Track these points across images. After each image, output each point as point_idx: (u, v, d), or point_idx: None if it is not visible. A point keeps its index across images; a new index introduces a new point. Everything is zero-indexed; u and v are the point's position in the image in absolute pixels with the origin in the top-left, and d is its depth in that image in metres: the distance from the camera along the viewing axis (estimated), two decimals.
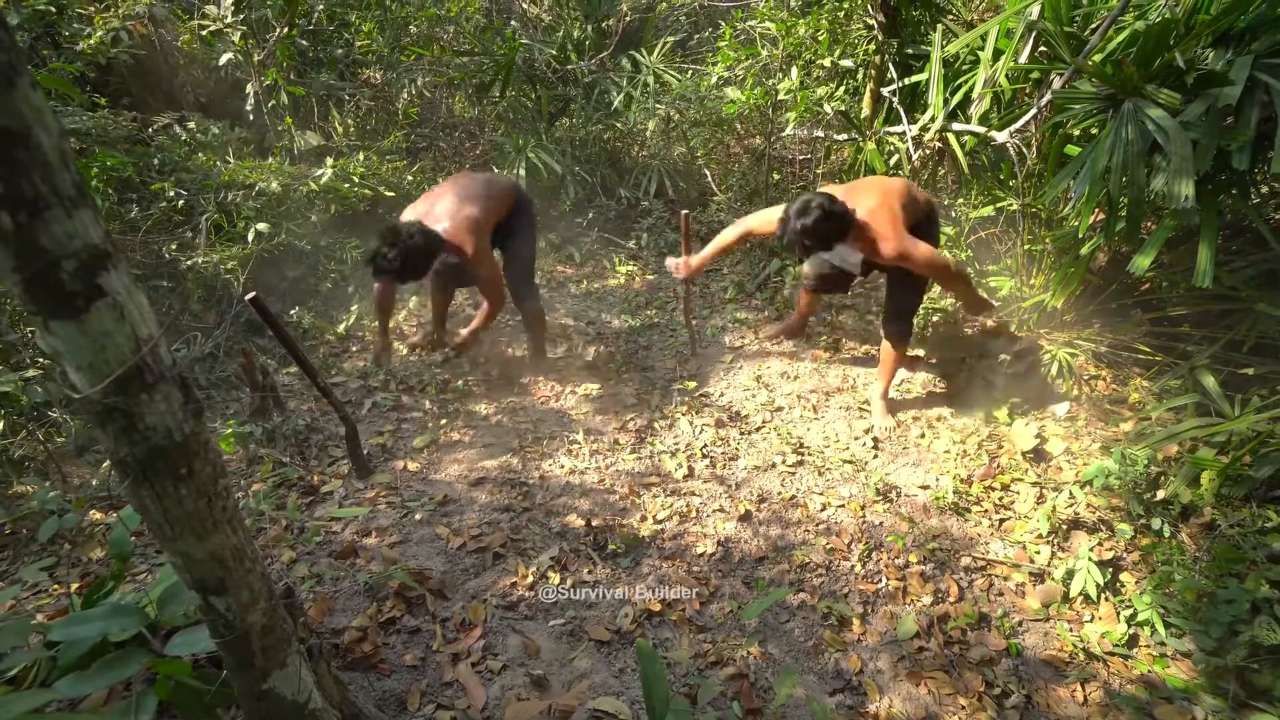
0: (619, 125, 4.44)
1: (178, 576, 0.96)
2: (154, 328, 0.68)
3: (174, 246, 3.18)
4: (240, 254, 3.21)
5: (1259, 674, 1.61)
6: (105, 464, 2.32)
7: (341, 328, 3.34)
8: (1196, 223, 2.13)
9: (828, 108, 3.63)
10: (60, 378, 2.31)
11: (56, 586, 1.74)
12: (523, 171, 4.05)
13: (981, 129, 3.00)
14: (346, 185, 3.64)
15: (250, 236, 3.23)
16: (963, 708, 1.62)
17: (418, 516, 2.10)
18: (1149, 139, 2.09)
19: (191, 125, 3.77)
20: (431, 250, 2.44)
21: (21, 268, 0.59)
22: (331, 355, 3.19)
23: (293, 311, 3.37)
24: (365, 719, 1.31)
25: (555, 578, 1.87)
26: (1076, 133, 2.56)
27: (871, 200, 2.34)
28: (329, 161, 3.67)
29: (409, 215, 2.60)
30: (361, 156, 3.96)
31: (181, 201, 3.28)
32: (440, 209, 2.57)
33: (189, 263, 3.11)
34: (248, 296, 1.85)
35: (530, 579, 1.86)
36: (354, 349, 3.26)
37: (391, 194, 3.84)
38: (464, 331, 3.02)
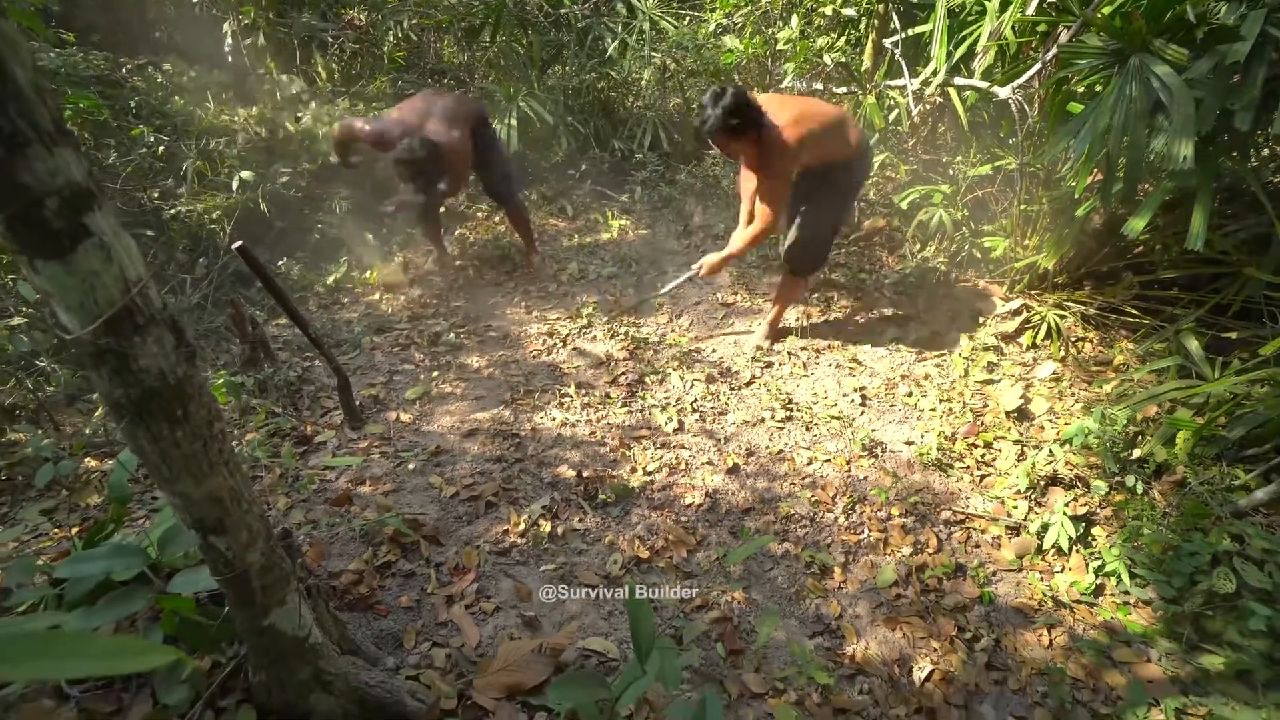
0: (613, 74, 4.31)
1: (177, 518, 0.98)
2: (142, 269, 0.68)
3: (156, 194, 3.11)
4: (225, 203, 3.14)
5: (1212, 620, 1.70)
6: (97, 412, 2.32)
7: (330, 279, 3.30)
8: (1193, 185, 2.13)
9: (828, 59, 3.53)
10: (50, 319, 2.29)
11: (56, 530, 1.78)
12: (514, 121, 3.95)
13: (984, 84, 2.94)
14: (326, 131, 3.53)
15: (234, 185, 3.16)
16: (935, 650, 1.70)
17: (411, 466, 2.13)
18: (1153, 97, 2.06)
19: (168, 67, 3.62)
20: (433, 164, 2.73)
21: (3, 205, 0.58)
22: (321, 307, 3.17)
23: (280, 263, 3.33)
24: (363, 655, 1.37)
25: (546, 526, 1.93)
26: (1080, 90, 2.52)
27: None
28: (311, 107, 3.55)
29: (393, 115, 2.85)
30: (346, 104, 3.83)
31: (161, 148, 3.19)
32: (432, 129, 2.79)
33: (173, 211, 3.05)
34: (234, 245, 1.82)
35: (522, 527, 1.91)
36: (344, 300, 3.24)
37: None
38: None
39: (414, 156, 2.67)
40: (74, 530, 1.77)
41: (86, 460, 2.10)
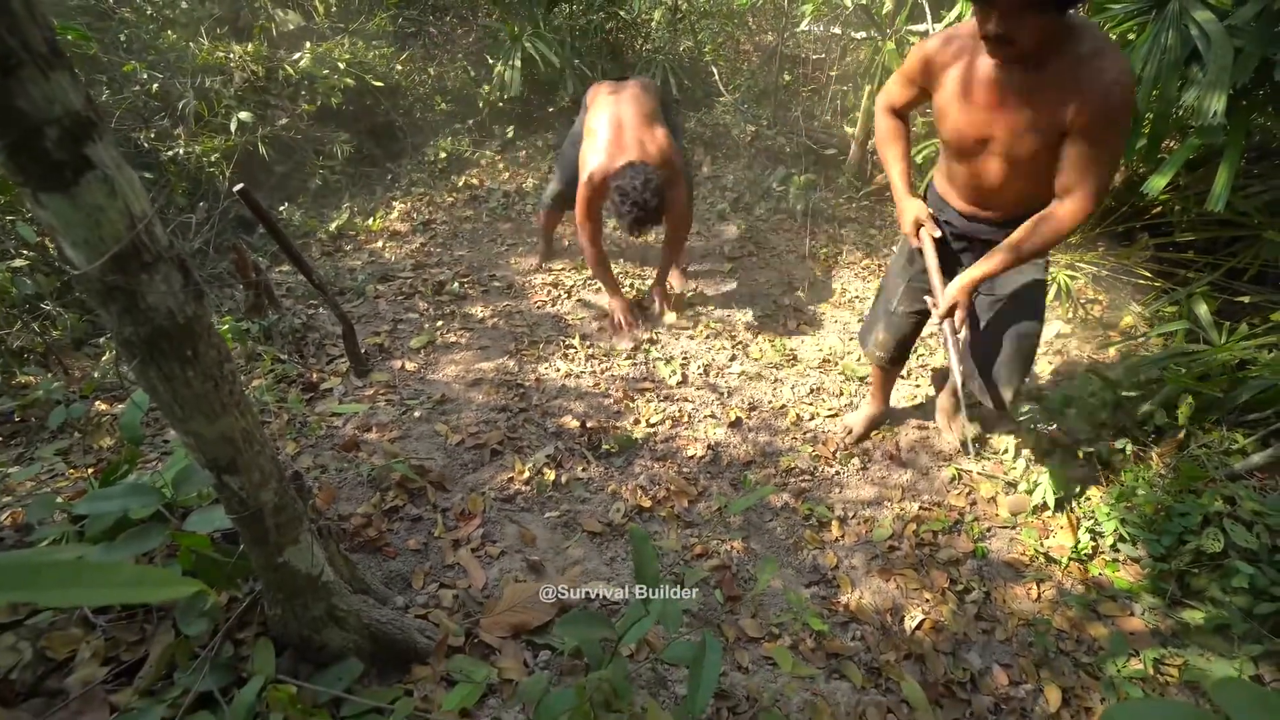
0: (622, 14, 4.13)
1: (190, 459, 1.00)
2: (147, 205, 0.67)
3: (152, 135, 3.03)
4: (223, 145, 3.07)
5: (1197, 577, 1.75)
6: (106, 356, 2.34)
7: (333, 226, 3.26)
8: (1221, 142, 2.06)
9: (848, 0, 3.37)
10: (56, 257, 2.27)
11: (72, 470, 1.81)
12: (518, 63, 3.80)
13: None
14: (326, 72, 3.41)
15: (232, 126, 3.08)
16: (927, 600, 1.76)
17: (417, 414, 2.15)
18: (1189, 46, 1.97)
19: None
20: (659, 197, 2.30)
21: (1, 133, 0.57)
22: (324, 254, 3.14)
23: (281, 208, 3.28)
24: (374, 593, 1.41)
25: (550, 474, 1.96)
26: (1112, 38, 2.40)
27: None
28: (308, 46, 3.43)
29: (599, 144, 2.37)
30: (346, 42, 3.69)
31: (155, 85, 3.09)
32: (632, 137, 2.37)
33: (170, 154, 2.98)
34: (236, 188, 1.79)
35: (526, 475, 1.94)
36: (347, 248, 3.20)
37: (379, 84, 3.62)
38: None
39: (647, 206, 2.26)
40: (89, 470, 1.80)
41: (97, 404, 2.12)
